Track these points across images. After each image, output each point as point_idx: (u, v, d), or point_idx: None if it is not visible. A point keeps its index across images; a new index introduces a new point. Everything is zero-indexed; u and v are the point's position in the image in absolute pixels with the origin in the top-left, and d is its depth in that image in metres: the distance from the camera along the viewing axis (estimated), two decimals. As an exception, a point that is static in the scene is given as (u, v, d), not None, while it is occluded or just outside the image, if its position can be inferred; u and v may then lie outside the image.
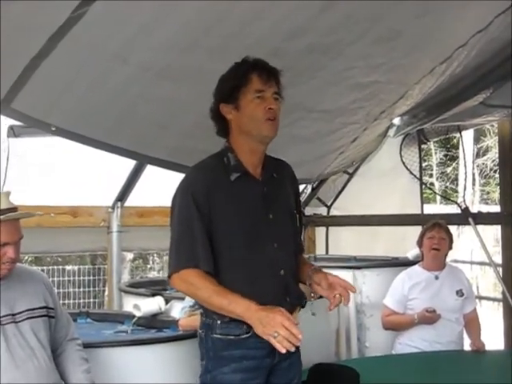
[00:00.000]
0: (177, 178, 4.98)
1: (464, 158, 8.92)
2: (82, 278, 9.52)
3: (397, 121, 5.82)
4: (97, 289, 9.52)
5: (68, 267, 10.38)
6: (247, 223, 2.72)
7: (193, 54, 3.16)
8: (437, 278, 4.81)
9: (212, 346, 2.72)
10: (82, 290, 8.74)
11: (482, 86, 4.89)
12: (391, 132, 6.04)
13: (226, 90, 2.73)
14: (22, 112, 3.37)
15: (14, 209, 2.92)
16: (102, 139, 3.77)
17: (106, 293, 10.10)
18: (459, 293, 4.79)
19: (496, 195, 16.14)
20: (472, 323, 4.87)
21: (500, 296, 6.95)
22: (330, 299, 2.71)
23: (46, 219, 5.05)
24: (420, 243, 4.97)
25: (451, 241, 4.93)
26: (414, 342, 4.74)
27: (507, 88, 4.88)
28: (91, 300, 8.99)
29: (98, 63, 3.16)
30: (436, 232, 4.87)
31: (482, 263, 7.51)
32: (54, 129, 3.50)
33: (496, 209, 12.67)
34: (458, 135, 8.47)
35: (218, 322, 2.69)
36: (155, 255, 12.98)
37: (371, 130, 5.27)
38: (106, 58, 3.14)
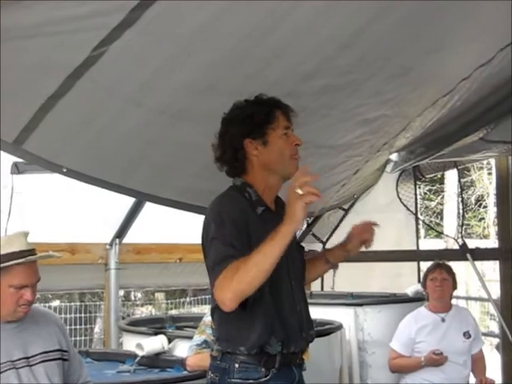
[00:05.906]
0: (174, 215, 4.98)
1: (461, 195, 8.92)
2: (69, 315, 9.35)
3: (394, 157, 5.85)
4: (85, 326, 9.36)
5: (54, 303, 10.24)
6: None
7: (209, 96, 3.16)
8: (443, 320, 4.79)
9: None
10: (72, 327, 8.59)
11: (482, 123, 4.90)
12: (388, 168, 6.07)
13: (253, 125, 2.71)
14: (33, 153, 3.31)
15: (32, 250, 2.87)
16: (112, 181, 3.71)
17: (95, 330, 9.98)
18: (466, 334, 4.77)
19: (479, 229, 16.32)
20: (478, 362, 4.85)
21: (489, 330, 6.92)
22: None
23: (44, 257, 4.97)
24: (424, 285, 4.95)
25: (455, 281, 4.90)
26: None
27: (507, 124, 4.88)
28: (82, 338, 8.84)
29: (113, 105, 3.14)
30: (438, 273, 4.84)
31: (479, 299, 7.50)
32: (65, 170, 3.45)
33: (479, 243, 12.80)
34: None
35: (236, 365, 2.65)
36: (136, 291, 12.81)
37: (372, 162, 5.28)
38: (121, 100, 3.11)
